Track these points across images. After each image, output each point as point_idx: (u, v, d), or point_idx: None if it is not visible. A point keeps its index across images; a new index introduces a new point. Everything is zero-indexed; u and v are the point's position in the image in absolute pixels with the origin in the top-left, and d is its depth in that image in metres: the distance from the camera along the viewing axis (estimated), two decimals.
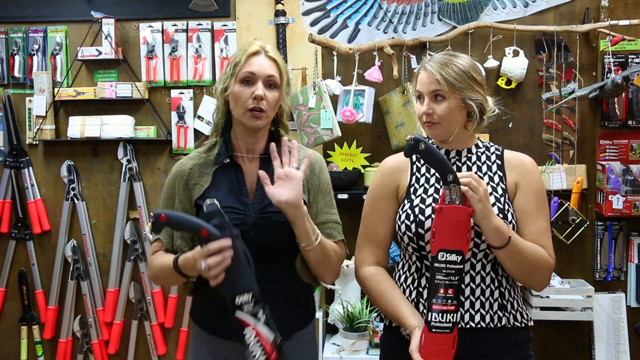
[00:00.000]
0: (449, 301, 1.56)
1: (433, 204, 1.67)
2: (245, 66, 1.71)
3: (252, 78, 1.70)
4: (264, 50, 1.74)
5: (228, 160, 1.76)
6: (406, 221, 1.71)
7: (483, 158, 1.77)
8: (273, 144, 1.67)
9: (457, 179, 1.54)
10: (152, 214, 1.53)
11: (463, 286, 1.67)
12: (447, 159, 1.60)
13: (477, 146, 1.79)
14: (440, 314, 1.57)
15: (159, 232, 1.59)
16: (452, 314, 1.57)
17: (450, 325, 1.57)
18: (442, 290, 1.57)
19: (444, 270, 1.56)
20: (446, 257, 1.56)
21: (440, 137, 1.75)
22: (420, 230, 1.68)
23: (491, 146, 1.80)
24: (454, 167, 1.74)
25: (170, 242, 1.75)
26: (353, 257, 2.93)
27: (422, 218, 1.68)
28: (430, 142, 1.81)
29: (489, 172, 1.74)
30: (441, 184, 1.63)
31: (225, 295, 1.54)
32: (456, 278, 1.56)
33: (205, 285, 1.76)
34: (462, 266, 1.56)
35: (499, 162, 1.76)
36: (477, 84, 1.72)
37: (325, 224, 1.79)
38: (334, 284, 3.01)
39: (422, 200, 1.71)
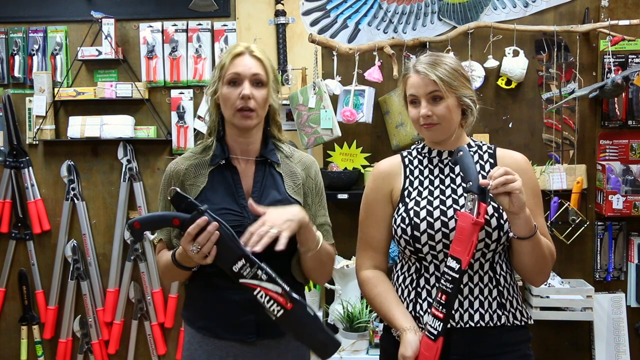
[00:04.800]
0: (440, 307, 1.58)
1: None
2: (230, 67, 1.71)
3: (238, 78, 1.71)
4: (248, 50, 1.74)
5: (224, 162, 1.77)
6: (402, 225, 1.71)
7: (476, 157, 1.76)
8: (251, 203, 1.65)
9: (474, 187, 1.54)
10: (127, 225, 1.56)
11: (461, 286, 1.67)
12: (474, 168, 1.60)
13: (469, 145, 1.79)
14: (432, 318, 1.60)
15: (140, 239, 1.65)
16: (438, 322, 1.58)
17: (435, 332, 1.58)
18: (439, 294, 1.59)
19: (445, 275, 1.59)
20: (449, 263, 1.58)
21: (439, 137, 1.74)
22: (415, 233, 1.68)
23: (483, 145, 1.80)
24: (447, 168, 1.76)
25: (169, 240, 1.77)
26: (354, 257, 2.94)
27: (417, 221, 1.69)
28: (423, 144, 1.82)
29: (482, 172, 1.74)
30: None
31: (223, 268, 1.58)
32: (450, 286, 1.56)
33: (197, 285, 1.78)
34: (457, 276, 1.55)
35: (491, 160, 1.76)
36: (467, 80, 1.74)
37: (322, 226, 1.83)
38: (333, 284, 3.01)
39: (417, 203, 1.72)
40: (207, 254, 1.55)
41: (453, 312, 1.65)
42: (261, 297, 1.55)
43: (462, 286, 1.66)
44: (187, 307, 1.84)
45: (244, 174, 1.77)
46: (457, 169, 1.75)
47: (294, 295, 1.56)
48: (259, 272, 1.55)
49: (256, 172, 1.78)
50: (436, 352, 1.57)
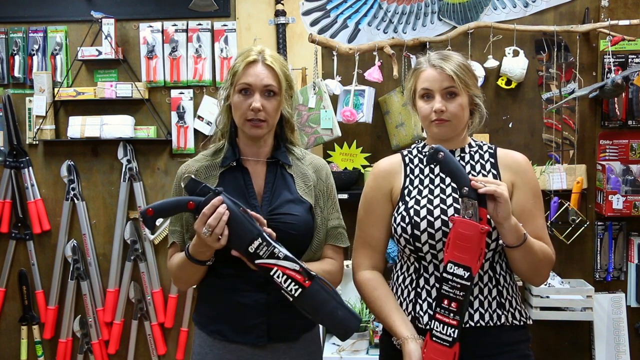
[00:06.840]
0: (452, 315, 1.57)
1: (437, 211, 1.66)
2: (242, 77, 1.71)
3: (249, 89, 1.71)
4: (261, 57, 1.72)
5: (235, 164, 1.77)
6: (402, 223, 1.71)
7: (476, 157, 1.77)
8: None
9: (472, 193, 1.53)
10: (139, 213, 1.56)
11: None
12: (464, 171, 1.58)
13: (470, 145, 1.79)
14: (441, 325, 1.58)
15: (152, 227, 1.61)
16: (452, 329, 1.57)
17: (450, 339, 1.57)
18: (446, 302, 1.58)
19: (450, 282, 1.57)
20: (454, 270, 1.56)
21: (448, 135, 1.74)
22: (416, 232, 1.68)
23: (484, 145, 1.80)
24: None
25: (182, 242, 1.76)
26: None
27: (417, 220, 1.68)
28: (424, 143, 1.82)
29: (482, 171, 1.74)
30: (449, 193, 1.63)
31: (239, 251, 1.56)
32: (461, 293, 1.55)
33: (209, 288, 1.77)
34: (468, 283, 1.55)
35: (492, 160, 1.76)
36: (477, 81, 1.75)
37: (337, 229, 1.81)
38: None
39: (417, 202, 1.71)
40: (220, 236, 1.54)
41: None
42: (278, 277, 1.54)
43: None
44: (198, 311, 1.83)
45: (255, 175, 1.77)
46: None
47: (312, 272, 1.55)
48: (276, 250, 1.54)
49: (267, 173, 1.78)
50: (454, 358, 1.57)
